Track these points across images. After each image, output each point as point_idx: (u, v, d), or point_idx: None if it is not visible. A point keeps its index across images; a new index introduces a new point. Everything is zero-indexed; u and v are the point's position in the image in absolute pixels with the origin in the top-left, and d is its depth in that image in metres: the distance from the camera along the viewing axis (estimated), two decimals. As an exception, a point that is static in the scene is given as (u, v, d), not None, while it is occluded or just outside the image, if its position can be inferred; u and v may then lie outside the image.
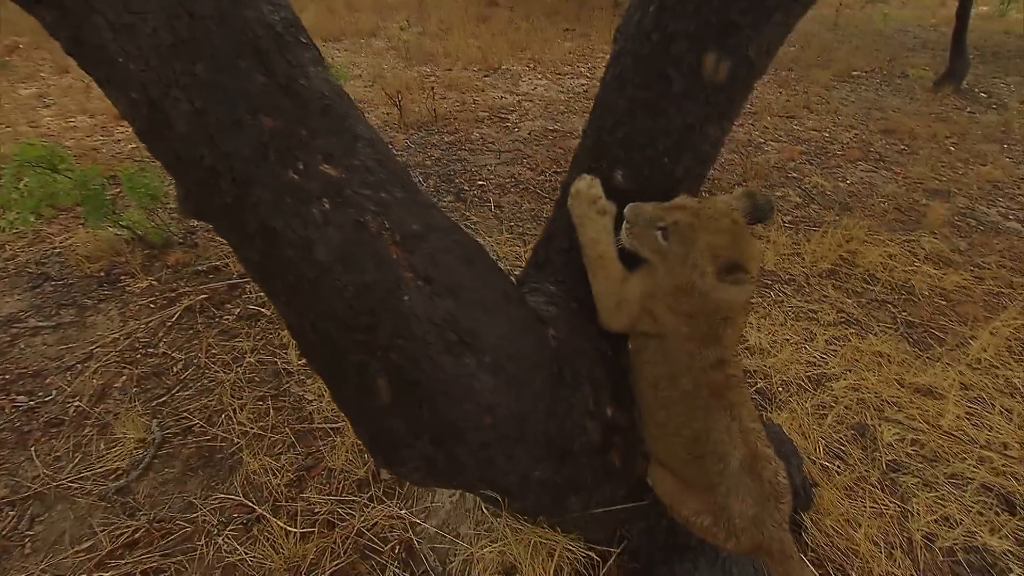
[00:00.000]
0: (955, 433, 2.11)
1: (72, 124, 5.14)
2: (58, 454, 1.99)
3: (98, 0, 0.71)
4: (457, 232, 0.95)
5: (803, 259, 3.25)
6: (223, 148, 0.80)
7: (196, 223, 3.44)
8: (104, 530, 1.73)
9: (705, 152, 1.10)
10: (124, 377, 2.31)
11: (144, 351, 2.44)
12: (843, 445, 2.05)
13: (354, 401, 0.93)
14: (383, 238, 0.83)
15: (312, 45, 0.90)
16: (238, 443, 2.01)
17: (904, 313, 2.85)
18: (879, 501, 1.86)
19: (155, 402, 2.20)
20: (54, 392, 2.23)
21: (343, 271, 0.81)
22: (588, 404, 1.24)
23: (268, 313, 2.68)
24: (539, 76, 6.60)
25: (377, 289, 0.82)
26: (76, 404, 2.17)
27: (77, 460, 1.97)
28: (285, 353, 2.43)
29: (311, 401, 2.20)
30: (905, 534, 1.77)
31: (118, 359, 2.40)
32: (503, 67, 6.82)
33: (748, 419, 1.12)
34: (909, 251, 3.39)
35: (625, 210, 1.04)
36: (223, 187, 0.82)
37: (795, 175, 4.43)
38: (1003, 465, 2.00)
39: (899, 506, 1.85)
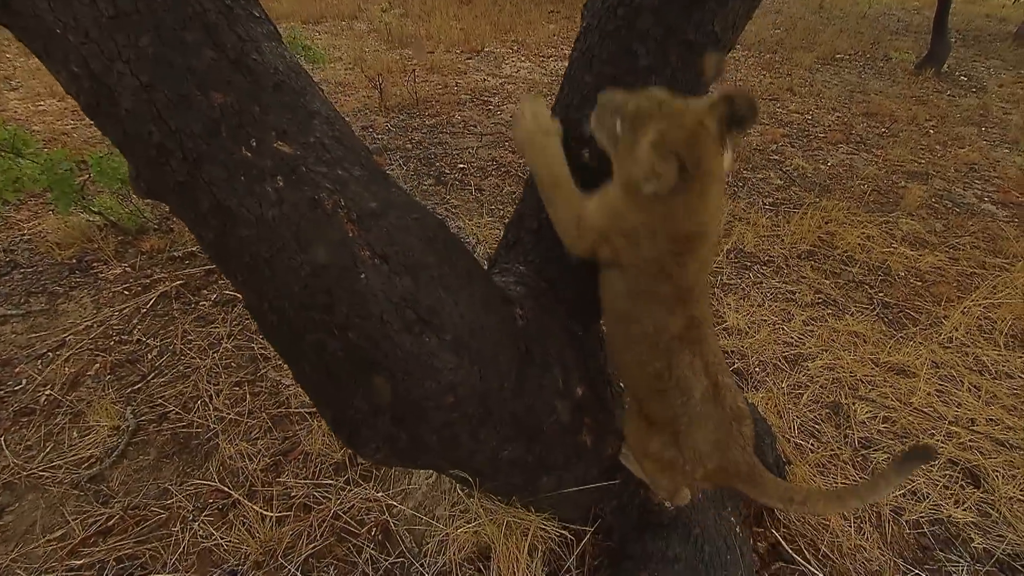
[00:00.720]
0: (925, 410, 2.16)
1: (41, 108, 4.99)
2: (29, 443, 1.96)
3: (31, -34, 0.68)
4: (417, 210, 0.94)
5: (782, 240, 3.28)
6: (172, 125, 0.77)
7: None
8: (77, 518, 1.71)
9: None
10: (97, 365, 2.27)
11: (118, 338, 2.40)
12: (817, 424, 2.08)
13: (314, 381, 0.92)
14: (339, 216, 0.81)
15: (266, 19, 0.87)
16: (214, 429, 2.00)
17: (880, 294, 2.89)
18: (850, 477, 1.89)
19: (129, 389, 2.17)
20: (24, 381, 2.20)
21: (298, 250, 0.80)
22: (557, 384, 1.25)
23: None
24: (522, 58, 6.53)
25: (333, 268, 0.81)
26: (47, 393, 2.14)
27: (49, 449, 1.94)
28: (262, 338, 2.40)
29: (288, 386, 2.19)
30: (874, 508, 1.81)
31: (91, 347, 2.36)
32: (486, 49, 6.73)
33: (711, 353, 1.08)
34: (887, 232, 3.43)
35: (599, 95, 0.97)
36: (174, 165, 0.80)
37: (777, 157, 4.45)
38: (970, 440, 2.05)
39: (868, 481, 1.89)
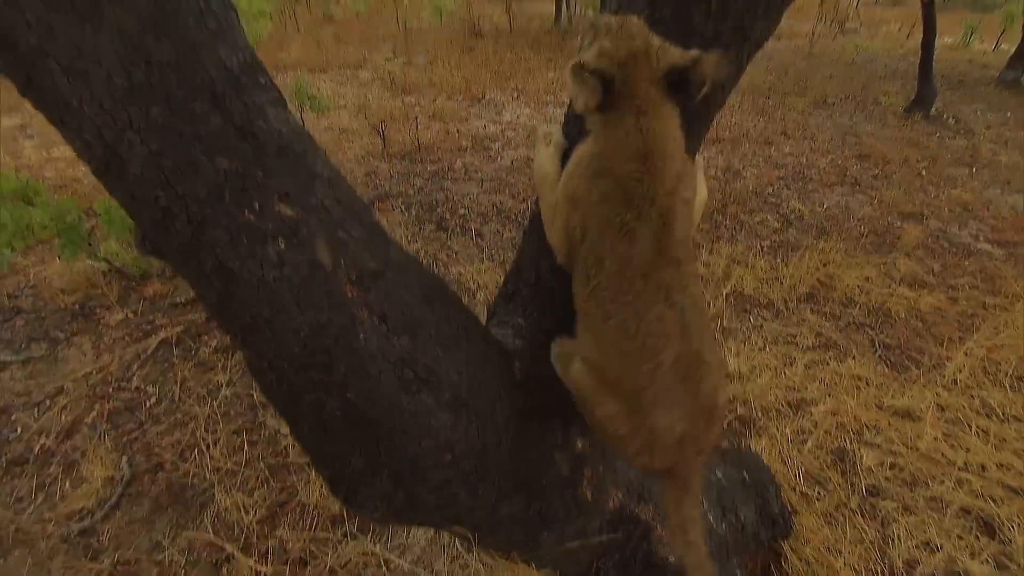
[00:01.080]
0: (933, 455, 2.12)
1: (54, 155, 5.13)
2: (20, 495, 1.93)
3: (51, 45, 0.72)
4: (416, 268, 0.95)
5: (781, 283, 3.29)
6: (178, 189, 0.80)
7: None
8: (64, 575, 1.67)
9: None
10: (94, 412, 2.26)
11: (116, 385, 2.40)
12: (823, 471, 2.05)
13: (312, 439, 0.91)
14: (339, 277, 0.83)
15: (272, 86, 0.91)
16: (210, 479, 1.97)
17: (881, 335, 2.88)
18: (859, 527, 1.85)
19: (126, 438, 2.15)
20: (19, 429, 2.18)
21: (298, 311, 0.81)
22: (556, 437, 1.24)
23: (246, 344, 2.64)
24: (522, 105, 6.71)
25: (332, 328, 0.82)
26: (42, 442, 2.12)
27: (40, 501, 1.91)
28: (261, 385, 2.40)
29: (286, 435, 2.17)
30: (887, 561, 1.76)
31: (89, 394, 2.35)
32: (487, 97, 6.93)
33: (691, 311, 0.90)
34: (885, 274, 3.45)
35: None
36: (178, 227, 0.82)
37: (773, 200, 4.52)
38: (981, 487, 2.00)
39: (880, 532, 1.84)
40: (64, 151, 5.16)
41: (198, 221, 0.81)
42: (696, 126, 1.11)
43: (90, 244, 2.81)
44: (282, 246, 0.82)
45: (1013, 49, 8.30)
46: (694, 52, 0.85)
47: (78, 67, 0.73)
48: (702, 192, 1.11)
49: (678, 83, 0.86)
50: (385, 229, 0.99)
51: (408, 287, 0.91)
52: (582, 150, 0.94)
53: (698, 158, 1.18)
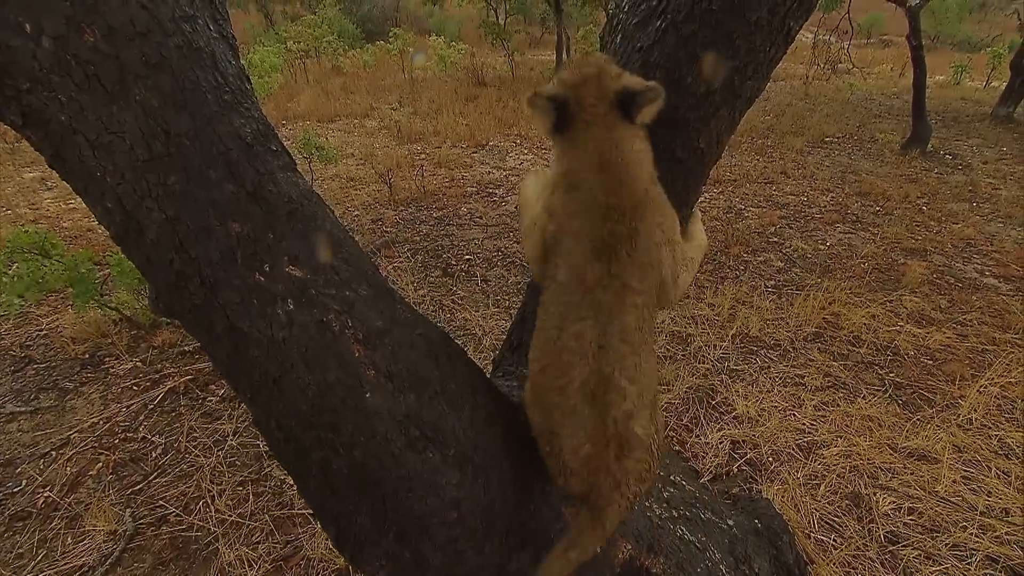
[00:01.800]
0: (952, 499, 2.07)
1: (71, 206, 5.28)
2: (21, 550, 1.90)
3: (79, 122, 0.76)
4: (422, 325, 0.97)
5: (787, 323, 3.28)
6: (192, 253, 0.83)
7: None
8: (63, 637, 1.63)
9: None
10: (100, 464, 2.25)
11: (123, 436, 2.39)
12: (838, 517, 2.00)
13: (319, 498, 0.91)
14: (346, 337, 0.85)
15: (283, 151, 0.95)
16: (214, 532, 1.94)
17: (891, 374, 2.85)
18: (879, 578, 1.79)
19: (130, 490, 2.13)
20: (24, 482, 2.17)
21: (306, 370, 0.83)
22: (563, 490, 1.22)
23: (252, 392, 2.65)
24: (525, 151, 6.88)
25: (339, 388, 0.83)
26: (46, 494, 2.11)
27: (40, 557, 1.88)
28: (267, 434, 2.39)
29: (292, 486, 2.14)
30: (911, 616, 1.69)
31: (95, 445, 2.35)
32: (490, 144, 7.11)
33: (616, 335, 0.88)
34: (891, 311, 3.44)
35: None
36: (192, 289, 0.84)
37: (776, 239, 4.55)
38: (1006, 533, 1.94)
39: (901, 583, 1.78)
40: (81, 203, 5.31)
41: (211, 283, 0.84)
42: (692, 180, 1.14)
43: (102, 294, 2.86)
44: (291, 307, 0.84)
45: (1003, 86, 8.48)
46: (652, 83, 0.89)
47: (103, 141, 0.78)
48: (700, 237, 1.14)
49: (629, 106, 0.89)
50: (391, 282, 1.01)
51: (414, 345, 0.92)
52: (553, 170, 0.98)
53: (695, 209, 1.21)
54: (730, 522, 1.66)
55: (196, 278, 0.84)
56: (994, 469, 2.20)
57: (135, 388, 2.69)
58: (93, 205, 0.85)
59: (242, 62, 0.98)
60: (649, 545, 1.45)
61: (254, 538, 1.93)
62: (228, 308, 0.84)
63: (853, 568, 1.81)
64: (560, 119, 0.91)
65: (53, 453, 2.31)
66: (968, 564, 1.83)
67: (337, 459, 0.85)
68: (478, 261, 4.05)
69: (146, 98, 0.79)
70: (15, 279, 2.54)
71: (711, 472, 2.23)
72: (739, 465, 2.26)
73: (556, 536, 1.24)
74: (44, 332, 3.14)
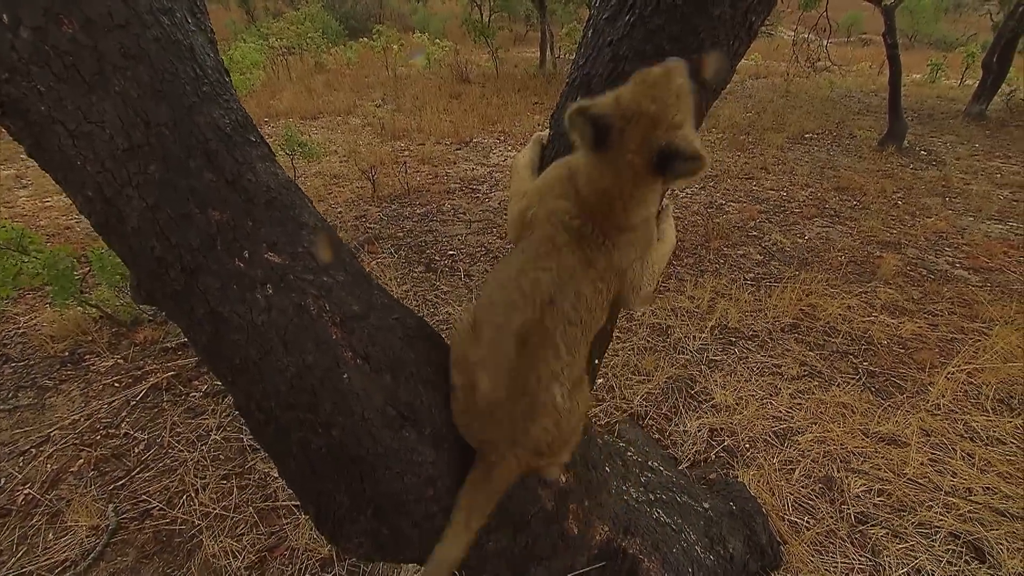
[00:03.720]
0: (920, 480, 2.14)
1: (47, 204, 5.19)
2: (0, 548, 1.89)
3: (59, 111, 0.78)
4: (398, 310, 1.00)
5: (765, 314, 3.35)
6: (173, 240, 0.85)
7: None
8: (45, 631, 1.63)
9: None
10: (81, 460, 2.24)
11: (105, 432, 2.38)
12: (811, 500, 2.06)
13: (299, 477, 0.94)
14: (323, 320, 0.87)
15: (261, 142, 0.97)
16: (198, 525, 1.95)
17: (865, 363, 2.93)
18: (850, 556, 1.85)
19: (112, 486, 2.13)
20: (3, 480, 2.16)
21: (285, 352, 0.85)
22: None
23: (236, 388, 2.65)
24: (509, 148, 6.90)
25: (317, 369, 0.86)
26: (26, 492, 2.10)
27: (21, 554, 1.88)
28: (251, 429, 2.39)
29: (275, 478, 2.16)
30: (879, 591, 1.76)
31: (76, 441, 2.33)
32: (474, 140, 7.12)
33: (571, 300, 0.92)
34: (866, 302, 3.53)
35: None
36: (172, 276, 0.87)
37: (756, 233, 4.63)
38: (969, 511, 2.02)
39: (870, 560, 1.85)
40: (58, 200, 5.23)
41: (191, 269, 0.86)
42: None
43: (82, 291, 2.84)
44: (270, 291, 0.87)
45: (976, 84, 8.67)
46: (698, 151, 0.85)
47: (83, 130, 0.79)
48: (670, 235, 1.17)
49: (665, 162, 0.87)
50: (371, 273, 1.04)
51: (390, 328, 0.95)
52: (568, 159, 0.99)
53: (667, 202, 1.25)
54: (706, 505, 1.71)
55: (177, 265, 0.86)
56: (959, 451, 2.28)
57: (116, 385, 2.67)
58: (73, 194, 0.86)
59: (221, 57, 0.99)
60: (625, 527, 1.50)
61: (238, 530, 1.95)
62: (208, 294, 0.86)
63: (824, 547, 1.87)
64: (598, 137, 0.88)
65: (33, 450, 2.29)
66: (933, 541, 1.90)
67: (316, 439, 0.88)
68: (461, 256, 4.08)
69: (125, 88, 0.81)
70: (-10, 277, 2.51)
71: (689, 459, 2.29)
72: (717, 452, 2.31)
73: (533, 517, 1.28)
74: (21, 330, 3.10)
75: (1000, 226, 4.83)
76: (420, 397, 0.93)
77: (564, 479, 1.33)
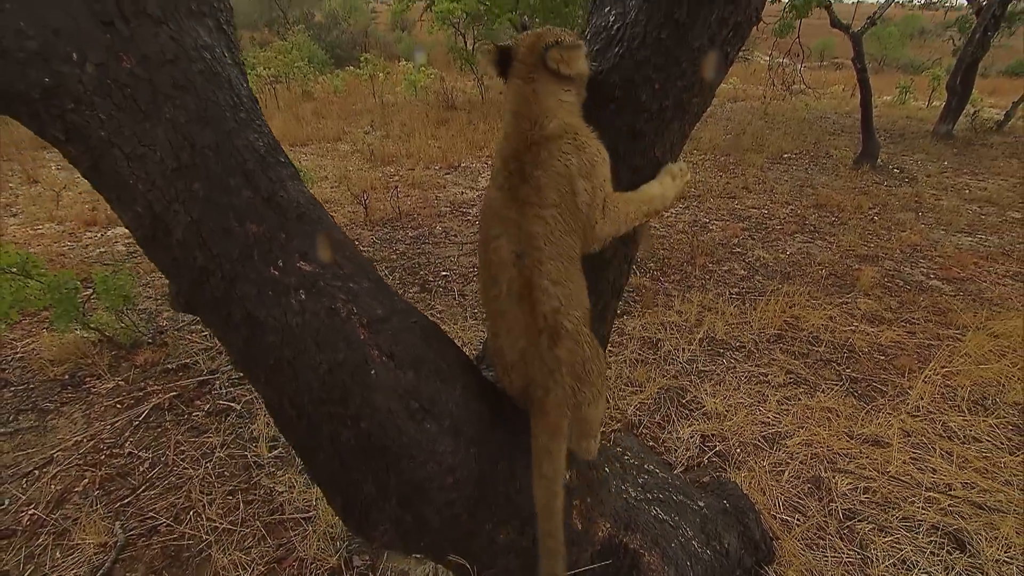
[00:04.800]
0: (902, 478, 2.24)
1: (39, 231, 5.21)
2: (7, 567, 1.91)
3: (117, 136, 0.87)
4: (416, 314, 1.09)
5: (751, 326, 3.47)
6: (214, 251, 0.93)
7: (166, 323, 3.48)
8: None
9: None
10: (86, 480, 2.26)
11: (108, 452, 2.41)
12: (801, 499, 2.15)
13: (328, 469, 1.01)
14: (352, 322, 0.96)
15: (289, 163, 1.07)
16: (207, 539, 1.98)
17: (848, 370, 3.05)
18: (839, 550, 1.93)
19: (119, 504, 2.15)
20: (7, 501, 2.17)
21: (318, 351, 0.93)
22: (547, 467, 1.34)
23: (238, 408, 2.69)
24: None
25: (347, 365, 0.94)
26: (31, 512, 2.11)
27: (29, 572, 1.89)
28: (255, 446, 2.43)
29: (281, 493, 2.20)
30: (868, 582, 1.84)
31: (80, 462, 2.36)
32: (463, 165, 7.28)
33: (528, 244, 1.04)
34: (847, 312, 3.67)
35: None
36: (213, 284, 0.95)
37: (739, 250, 4.79)
38: (949, 505, 2.12)
39: (859, 553, 1.93)
40: (49, 228, 5.26)
41: (230, 278, 0.95)
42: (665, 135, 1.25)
43: (83, 315, 2.88)
44: (303, 296, 0.95)
45: (943, 106, 9.08)
46: (573, 39, 1.08)
47: (137, 153, 0.89)
48: (647, 192, 1.22)
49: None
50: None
51: (410, 330, 1.04)
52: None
53: (671, 166, 1.31)
54: (700, 503, 1.79)
55: (218, 273, 0.94)
56: (938, 450, 2.39)
57: (119, 406, 2.70)
58: (124, 211, 0.95)
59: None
60: (626, 524, 1.57)
61: (246, 543, 1.98)
62: (246, 299, 0.95)
63: (815, 543, 1.95)
64: (503, 66, 1.11)
65: (36, 472, 2.31)
66: (916, 533, 1.99)
67: (346, 431, 0.95)
68: (454, 277, 4.17)
69: (175, 115, 0.91)
70: (-4, 300, 2.55)
71: (683, 464, 2.37)
72: (709, 457, 2.40)
73: (541, 512, 1.34)
74: (19, 355, 3.12)
75: (970, 238, 5.05)
76: (439, 392, 1.02)
77: (568, 477, 1.40)
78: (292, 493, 2.18)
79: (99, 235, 5.12)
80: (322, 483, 1.05)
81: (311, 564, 1.88)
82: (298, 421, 0.98)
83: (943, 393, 2.78)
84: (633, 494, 1.69)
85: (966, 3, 9.01)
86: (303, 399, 0.95)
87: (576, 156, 1.07)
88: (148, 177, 0.89)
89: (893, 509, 2.11)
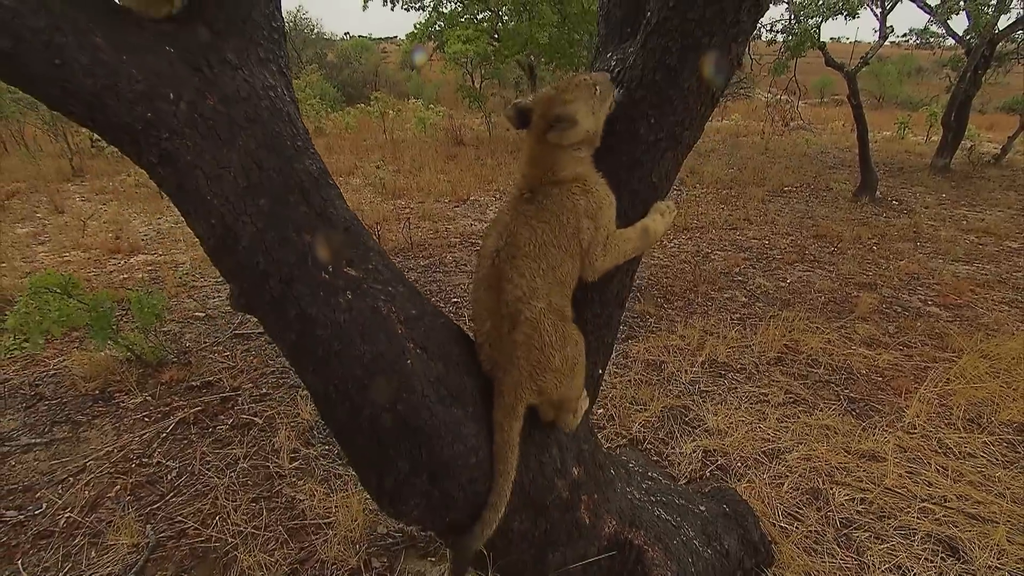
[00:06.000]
0: (898, 490, 2.33)
1: (66, 259, 5.44)
2: (47, 564, 2.02)
3: (199, 160, 1.04)
4: (443, 316, 1.25)
5: (752, 350, 3.59)
6: (275, 256, 1.10)
7: (189, 343, 3.64)
8: (96, 637, 1.75)
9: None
10: (117, 487, 2.38)
11: (138, 461, 2.53)
12: (799, 508, 2.24)
13: (365, 450, 1.14)
14: (391, 319, 1.11)
15: (336, 185, 1.24)
16: (232, 542, 2.09)
17: (846, 390, 3.16)
18: (837, 555, 2.02)
19: (149, 509, 2.27)
20: (44, 505, 2.29)
21: (362, 343, 1.08)
22: (556, 463, 1.47)
23: (260, 422, 2.82)
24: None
25: (388, 355, 1.09)
26: (67, 515, 2.23)
27: (67, 569, 2.00)
28: (277, 458, 2.55)
29: (302, 500, 2.31)
30: (864, 588, 1.92)
31: (111, 470, 2.48)
32: (471, 198, 7.54)
33: (511, 243, 1.21)
34: (845, 337, 3.79)
35: None
36: (272, 285, 1.11)
37: (740, 279, 4.93)
38: (944, 516, 2.20)
39: (856, 559, 2.01)
40: (76, 255, 5.49)
41: (287, 280, 1.11)
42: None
43: (117, 331, 3.04)
44: (350, 296, 1.11)
45: (940, 140, 9.33)
46: (570, 117, 1.23)
47: (215, 174, 1.06)
48: (643, 224, 1.38)
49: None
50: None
51: (440, 328, 1.19)
52: None
53: (660, 204, 1.47)
54: (702, 507, 1.90)
55: (276, 276, 1.10)
56: (934, 465, 2.48)
57: (146, 420, 2.83)
58: (198, 222, 1.11)
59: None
60: (631, 521, 1.68)
61: (270, 546, 2.08)
62: (301, 299, 1.10)
63: (813, 549, 2.03)
64: (522, 122, 1.27)
65: (71, 479, 2.43)
66: (911, 541, 2.07)
67: (384, 413, 1.09)
68: (464, 304, 4.33)
69: (246, 143, 1.08)
70: (37, 318, 2.72)
71: (686, 477, 2.47)
72: (711, 470, 2.49)
73: (551, 504, 1.47)
74: (52, 372, 3.27)
75: (967, 267, 5.19)
76: (464, 382, 1.16)
77: (576, 472, 1.52)
78: (313, 501, 2.28)
79: (122, 262, 5.34)
80: (360, 464, 1.18)
81: (331, 566, 1.98)
82: (341, 406, 1.12)
83: (939, 412, 2.87)
84: (638, 496, 1.80)
85: (955, 42, 9.36)
86: (347, 386, 1.10)
87: (584, 198, 1.25)
88: (223, 194, 1.06)
89: (889, 519, 2.19)
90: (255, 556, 2.01)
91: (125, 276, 4.97)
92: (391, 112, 13.00)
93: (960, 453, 2.56)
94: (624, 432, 2.79)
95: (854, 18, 7.90)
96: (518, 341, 1.21)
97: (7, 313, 2.91)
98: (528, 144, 1.28)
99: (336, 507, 2.21)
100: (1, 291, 4.31)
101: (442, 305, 4.30)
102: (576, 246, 1.25)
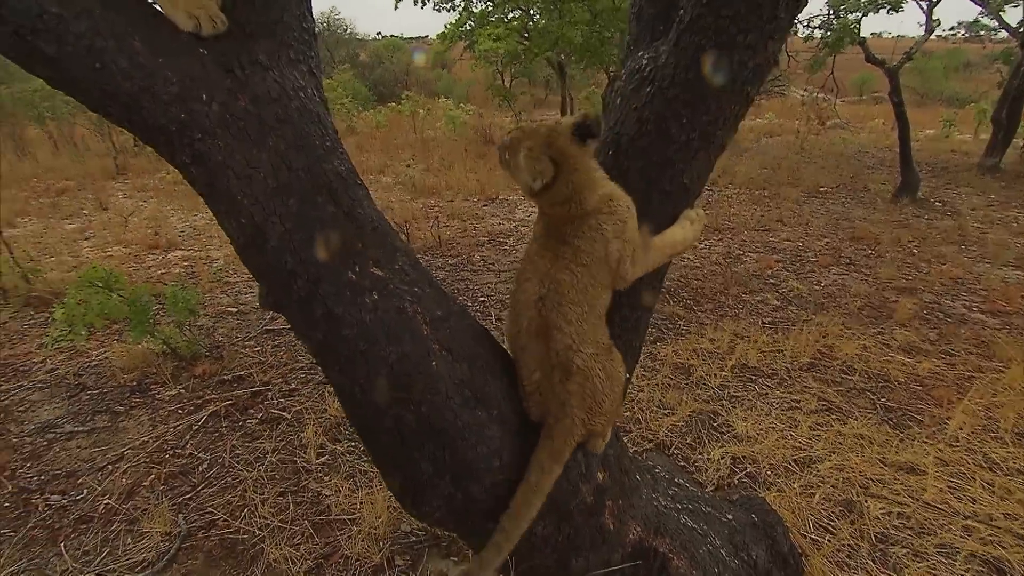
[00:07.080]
0: (939, 506, 2.23)
1: (108, 253, 5.64)
2: (87, 548, 2.10)
3: (231, 160, 1.06)
4: (469, 317, 1.24)
5: (784, 355, 3.49)
6: (302, 256, 1.11)
7: (221, 339, 3.74)
8: (130, 621, 1.81)
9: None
10: (152, 476, 2.46)
11: (172, 452, 2.61)
12: (832, 520, 2.16)
13: (389, 451, 1.14)
14: (417, 319, 1.11)
15: (364, 185, 1.25)
16: (259, 535, 2.13)
17: (882, 399, 3.04)
18: (872, 573, 1.94)
19: (181, 498, 2.34)
20: (85, 491, 2.38)
21: (387, 343, 1.08)
22: (580, 467, 1.44)
23: (288, 417, 2.88)
24: (532, 205, 7.25)
25: (413, 356, 1.09)
26: (106, 502, 2.31)
27: (105, 554, 2.08)
28: (304, 453, 2.60)
29: (328, 496, 2.34)
30: (904, 608, 1.84)
31: (147, 460, 2.56)
32: (500, 197, 7.54)
33: (553, 289, 1.18)
34: (882, 343, 3.65)
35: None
36: (299, 284, 1.12)
37: (773, 281, 4.80)
38: (990, 535, 2.10)
39: (891, 577, 1.93)
40: (118, 250, 5.70)
41: (315, 279, 1.11)
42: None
43: (155, 325, 3.14)
44: (376, 297, 1.11)
45: (989, 139, 8.92)
46: (581, 113, 1.22)
47: (246, 173, 1.07)
48: (670, 237, 1.36)
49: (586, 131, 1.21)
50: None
51: (465, 330, 1.19)
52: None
53: (689, 212, 1.44)
54: (729, 516, 1.85)
55: (304, 275, 1.11)
56: (979, 480, 2.36)
57: (180, 412, 2.92)
58: (228, 221, 1.13)
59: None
60: (656, 528, 1.65)
61: (296, 540, 2.12)
62: (327, 298, 1.11)
63: (846, 564, 1.96)
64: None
65: (110, 467, 2.52)
66: (953, 560, 1.98)
67: (408, 414, 1.10)
68: (492, 302, 4.33)
69: (276, 143, 1.09)
70: (84, 311, 2.83)
71: (713, 484, 2.41)
72: (739, 478, 2.43)
73: (575, 509, 1.45)
74: (94, 363, 3.40)
75: (1018, 272, 4.93)
76: (488, 385, 1.15)
77: (601, 477, 1.50)
78: (338, 496, 2.31)
79: (160, 258, 5.51)
80: (383, 464, 1.19)
81: (355, 561, 2.00)
82: (366, 406, 1.12)
83: (984, 424, 2.74)
84: (663, 502, 1.76)
85: (1008, 35, 8.93)
86: (372, 384, 1.10)
87: (610, 223, 1.23)
88: (253, 194, 1.08)
89: (929, 535, 2.10)
90: (281, 549, 2.04)
91: (163, 271, 5.13)
92: (421, 111, 13.10)
93: (1008, 469, 2.44)
94: (650, 436, 2.75)
95: (898, 12, 7.61)
96: (572, 391, 1.20)
97: (54, 305, 3.04)
98: (559, 186, 1.22)
99: (361, 503, 2.24)
100: (49, 284, 4.50)
101: (469, 304, 4.31)
102: (609, 273, 1.24)
